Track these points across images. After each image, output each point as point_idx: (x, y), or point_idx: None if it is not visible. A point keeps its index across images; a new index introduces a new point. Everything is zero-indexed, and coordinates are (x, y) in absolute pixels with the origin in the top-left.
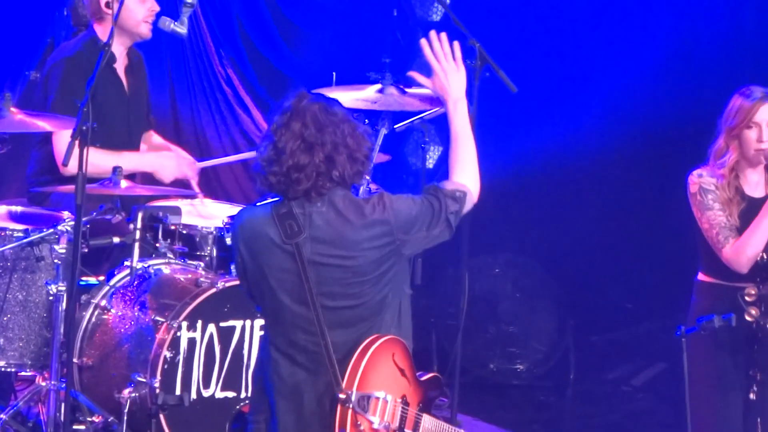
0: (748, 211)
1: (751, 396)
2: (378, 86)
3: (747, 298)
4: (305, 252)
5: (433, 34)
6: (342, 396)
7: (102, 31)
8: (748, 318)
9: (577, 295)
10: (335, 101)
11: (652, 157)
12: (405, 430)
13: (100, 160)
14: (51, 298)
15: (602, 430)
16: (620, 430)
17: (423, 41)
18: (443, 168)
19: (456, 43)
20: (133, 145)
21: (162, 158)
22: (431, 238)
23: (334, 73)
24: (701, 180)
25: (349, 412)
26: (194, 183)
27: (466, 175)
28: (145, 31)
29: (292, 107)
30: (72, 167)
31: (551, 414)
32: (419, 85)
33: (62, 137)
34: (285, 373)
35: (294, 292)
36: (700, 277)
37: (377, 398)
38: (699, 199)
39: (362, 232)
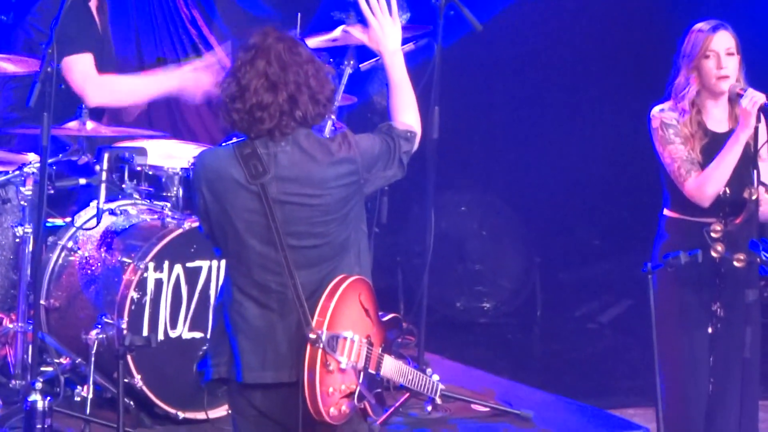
0: (711, 145)
1: (709, 330)
2: (342, 27)
3: (713, 235)
4: (271, 192)
5: None
6: (312, 336)
7: None
8: (713, 254)
9: (544, 232)
10: (300, 41)
11: (617, 93)
12: (369, 370)
13: (132, 85)
14: (17, 240)
15: (569, 367)
16: (587, 367)
17: None
18: None
19: None
20: None
21: (183, 74)
22: (386, 178)
23: (299, 14)
24: (662, 115)
25: (319, 352)
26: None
27: (411, 117)
28: None
29: (256, 45)
30: (97, 99)
31: (518, 351)
32: None
33: (79, 61)
34: (249, 315)
35: (259, 233)
36: (666, 212)
37: (345, 338)
38: (660, 133)
39: (329, 170)
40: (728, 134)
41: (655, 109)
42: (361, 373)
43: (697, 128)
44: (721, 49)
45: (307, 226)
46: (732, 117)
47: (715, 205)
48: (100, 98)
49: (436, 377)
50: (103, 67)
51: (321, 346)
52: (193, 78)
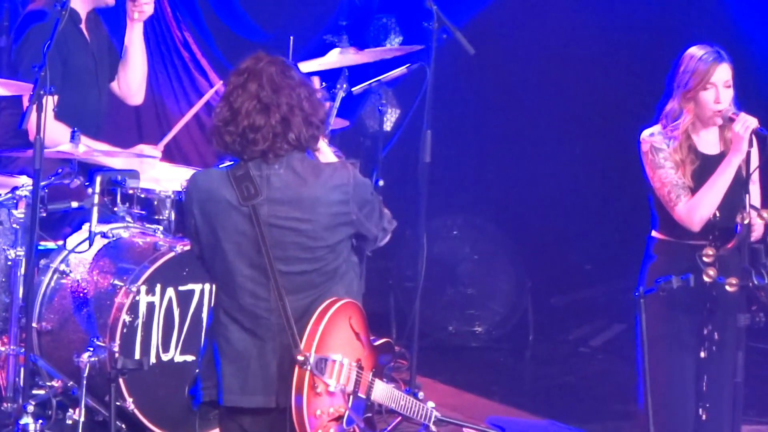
0: (702, 168)
1: (702, 354)
2: (336, 50)
3: (705, 259)
4: (262, 214)
5: None
6: (300, 358)
7: None
8: (706, 278)
9: (536, 256)
10: (292, 64)
11: (609, 118)
12: (358, 394)
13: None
14: (9, 263)
15: (561, 391)
16: (579, 391)
17: None
18: (400, 131)
19: None
20: (101, 104)
21: (133, 157)
22: (369, 231)
23: (291, 37)
24: (652, 139)
25: (307, 374)
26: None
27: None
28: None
29: (248, 68)
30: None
31: (510, 375)
32: (376, 46)
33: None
34: (233, 338)
35: (247, 256)
36: (654, 234)
37: (334, 361)
38: (650, 157)
39: (320, 194)
40: (719, 156)
41: (645, 133)
42: (351, 397)
43: (688, 152)
44: (720, 81)
45: (295, 250)
46: (723, 139)
47: (705, 229)
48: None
49: (431, 404)
50: (100, 81)
51: (309, 368)
52: (138, 161)
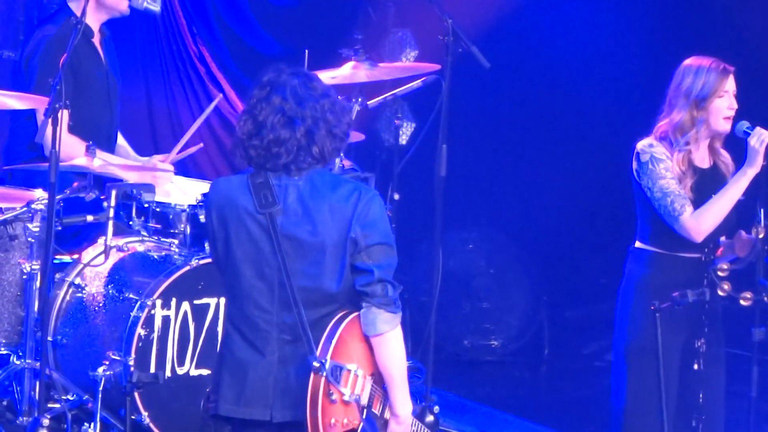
0: (699, 182)
1: (695, 367)
2: (352, 63)
3: (719, 273)
4: (278, 224)
5: None
6: (316, 364)
7: (76, 6)
8: (720, 293)
9: (551, 270)
10: (314, 76)
11: (626, 131)
12: (372, 409)
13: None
14: (25, 276)
15: (576, 405)
16: (594, 405)
17: None
18: (416, 145)
19: None
20: (113, 118)
21: (144, 169)
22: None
23: (306, 51)
24: (653, 150)
25: (323, 380)
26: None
27: None
28: (124, 6)
29: (271, 81)
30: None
31: (525, 389)
32: (391, 60)
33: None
34: (234, 348)
35: (257, 265)
36: (642, 246)
37: (349, 371)
38: (651, 167)
39: (332, 210)
40: (711, 170)
41: (643, 144)
42: (365, 411)
43: (688, 166)
44: (731, 89)
45: (302, 264)
46: (713, 153)
47: (702, 242)
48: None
49: None
50: (111, 96)
51: (324, 374)
52: (151, 175)
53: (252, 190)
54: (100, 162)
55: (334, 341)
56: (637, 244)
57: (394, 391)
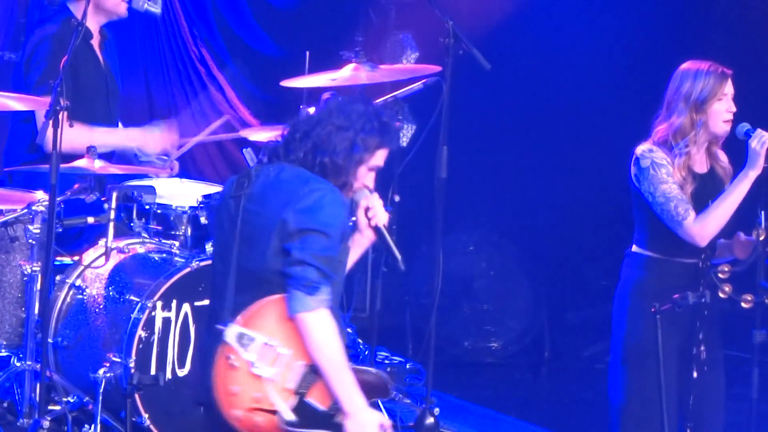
0: (699, 188)
1: (694, 373)
2: (352, 65)
3: (720, 275)
4: (242, 206)
5: None
6: (220, 327)
7: (76, 8)
8: (721, 295)
9: (552, 272)
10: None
11: (627, 133)
12: (306, 398)
13: (84, 137)
14: (25, 278)
15: (577, 407)
16: (595, 407)
17: None
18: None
19: None
20: (112, 119)
21: (145, 132)
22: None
23: (307, 53)
24: (653, 155)
25: (225, 345)
26: (172, 157)
27: None
28: (122, 9)
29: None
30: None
31: (526, 392)
32: (392, 63)
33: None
34: (199, 338)
35: (220, 248)
36: (639, 250)
37: (265, 343)
38: (652, 173)
39: (282, 193)
40: (709, 174)
41: (643, 148)
42: (295, 397)
43: (688, 172)
44: (730, 92)
45: (249, 246)
46: (711, 157)
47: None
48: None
49: None
50: (110, 99)
51: (225, 339)
52: (148, 139)
53: (237, 177)
54: (101, 164)
55: (248, 312)
56: (634, 248)
57: (329, 383)
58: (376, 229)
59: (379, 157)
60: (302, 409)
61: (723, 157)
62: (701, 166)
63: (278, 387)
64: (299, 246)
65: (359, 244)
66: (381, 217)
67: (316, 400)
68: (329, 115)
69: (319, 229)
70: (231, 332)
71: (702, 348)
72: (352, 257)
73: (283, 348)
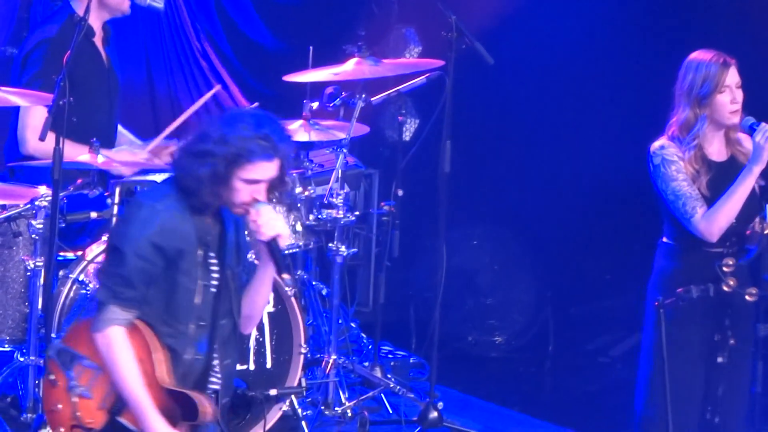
0: (716, 177)
1: (719, 360)
2: (355, 59)
3: (725, 269)
4: None
5: None
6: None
7: (79, 5)
8: (725, 288)
9: (556, 266)
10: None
11: (632, 128)
12: (121, 419)
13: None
14: (29, 273)
15: (581, 401)
16: (599, 401)
17: None
18: (419, 141)
19: None
20: (112, 117)
21: (113, 154)
22: None
23: (310, 47)
24: (664, 152)
25: (49, 361)
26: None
27: None
28: (126, 6)
29: None
30: (32, 150)
31: (530, 386)
32: (395, 57)
33: (37, 112)
34: None
35: None
36: (668, 242)
37: (81, 360)
38: (663, 170)
39: None
40: (728, 162)
41: (655, 146)
42: (109, 416)
43: (702, 163)
44: (733, 83)
45: None
46: (730, 144)
47: (723, 236)
48: (35, 151)
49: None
50: (111, 96)
51: (48, 355)
52: (119, 158)
53: None
54: (104, 159)
55: (71, 327)
56: (664, 239)
57: (128, 405)
58: (267, 243)
59: (260, 170)
60: (114, 429)
61: (747, 143)
62: (719, 155)
63: (93, 406)
64: (101, 262)
65: (263, 260)
66: (267, 229)
67: (128, 420)
68: (192, 135)
69: (113, 245)
70: (52, 347)
71: (728, 336)
72: (262, 274)
73: (97, 367)
